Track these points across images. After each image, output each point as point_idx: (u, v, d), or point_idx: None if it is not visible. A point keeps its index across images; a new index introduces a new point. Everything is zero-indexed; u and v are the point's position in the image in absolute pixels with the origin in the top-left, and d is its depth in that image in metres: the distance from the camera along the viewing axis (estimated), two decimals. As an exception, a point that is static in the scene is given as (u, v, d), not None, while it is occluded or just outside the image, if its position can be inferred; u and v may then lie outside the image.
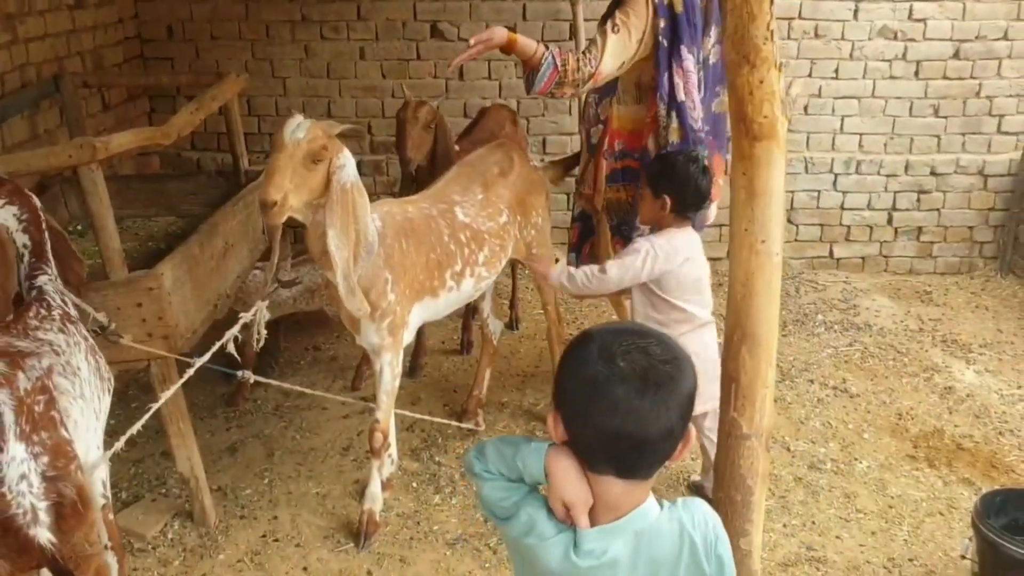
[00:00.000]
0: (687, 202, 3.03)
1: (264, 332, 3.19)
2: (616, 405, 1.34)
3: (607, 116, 3.56)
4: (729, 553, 1.52)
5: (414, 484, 3.53)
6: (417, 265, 3.13)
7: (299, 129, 2.68)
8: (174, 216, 4.09)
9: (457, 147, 4.20)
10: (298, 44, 5.44)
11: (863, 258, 5.73)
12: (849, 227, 5.67)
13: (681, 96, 3.26)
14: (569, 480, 1.41)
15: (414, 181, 3.98)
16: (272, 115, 5.54)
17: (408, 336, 3.23)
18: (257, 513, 3.36)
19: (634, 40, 3.13)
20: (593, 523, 1.42)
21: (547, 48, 3.03)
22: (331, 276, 2.91)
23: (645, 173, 3.04)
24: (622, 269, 3.07)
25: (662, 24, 3.16)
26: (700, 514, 1.50)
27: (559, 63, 3.01)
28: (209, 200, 4.00)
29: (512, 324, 4.89)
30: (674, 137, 3.27)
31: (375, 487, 3.24)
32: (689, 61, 3.24)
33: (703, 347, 3.07)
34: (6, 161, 2.89)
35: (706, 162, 3.17)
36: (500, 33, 2.96)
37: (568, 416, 1.42)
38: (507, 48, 3.00)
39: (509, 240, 3.53)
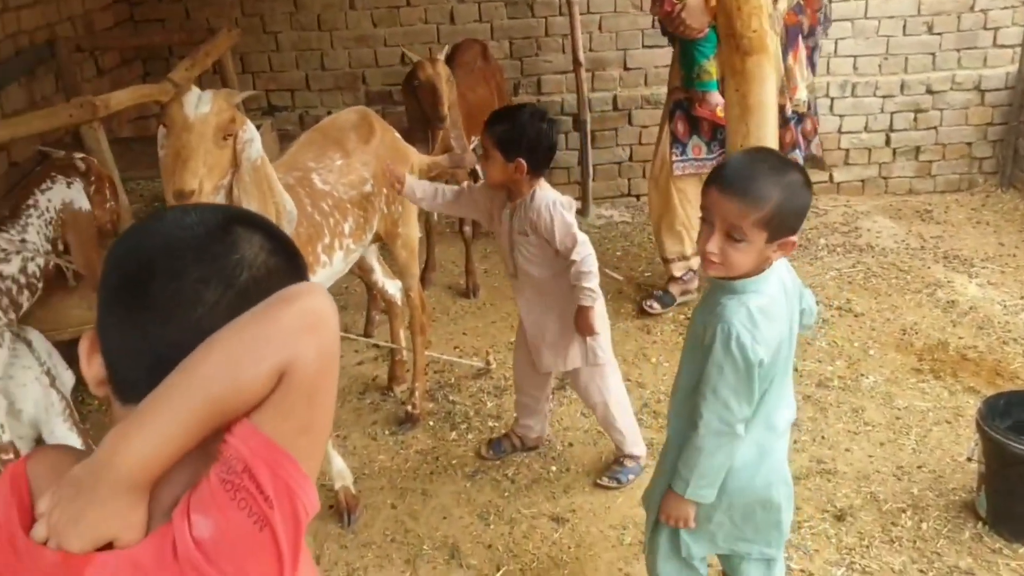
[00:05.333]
0: (540, 162, 2.88)
1: None
2: None
3: None
4: None
5: (431, 422, 3.60)
6: None
7: (203, 102, 2.36)
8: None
9: None
10: (287, -3, 5.41)
11: (863, 181, 5.73)
12: (848, 150, 5.67)
13: None
14: None
15: (433, 138, 3.99)
16: (267, 71, 5.53)
17: None
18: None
19: None
20: None
21: None
22: None
23: (490, 134, 2.84)
24: (584, 246, 2.91)
25: None
26: None
27: None
28: (210, 157, 4.00)
29: (469, 292, 4.66)
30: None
31: (338, 463, 3.13)
32: None
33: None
34: (8, 125, 2.92)
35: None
36: None
37: None
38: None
39: (374, 212, 3.20)
